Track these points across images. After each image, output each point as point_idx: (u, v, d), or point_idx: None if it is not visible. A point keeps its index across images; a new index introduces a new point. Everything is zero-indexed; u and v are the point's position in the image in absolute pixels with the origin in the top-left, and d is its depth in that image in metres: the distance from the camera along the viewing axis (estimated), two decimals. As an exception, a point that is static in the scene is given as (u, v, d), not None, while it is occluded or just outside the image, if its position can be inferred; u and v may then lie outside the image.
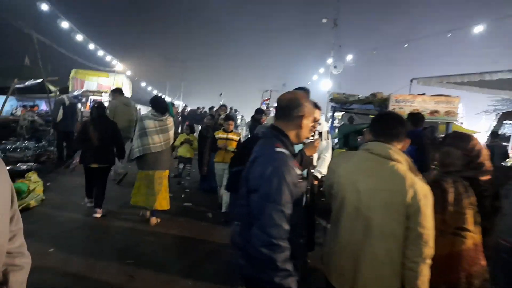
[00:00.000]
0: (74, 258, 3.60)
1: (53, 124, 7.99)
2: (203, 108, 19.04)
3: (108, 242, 4.12)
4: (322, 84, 20.90)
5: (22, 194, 4.98)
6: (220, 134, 5.49)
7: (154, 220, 4.74)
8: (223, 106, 9.02)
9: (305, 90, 2.98)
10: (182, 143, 7.27)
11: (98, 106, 5.15)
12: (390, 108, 5.28)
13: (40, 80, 7.86)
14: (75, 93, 16.21)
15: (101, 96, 18.42)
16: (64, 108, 7.91)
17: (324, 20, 18.13)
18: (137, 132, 4.63)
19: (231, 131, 5.53)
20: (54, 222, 4.54)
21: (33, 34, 7.76)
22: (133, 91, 24.99)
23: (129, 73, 26.21)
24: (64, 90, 8.14)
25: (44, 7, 8.95)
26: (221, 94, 17.00)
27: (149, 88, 32.59)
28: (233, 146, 5.33)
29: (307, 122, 1.70)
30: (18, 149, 9.36)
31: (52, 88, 8.38)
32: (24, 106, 14.10)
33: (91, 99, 18.39)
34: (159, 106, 4.65)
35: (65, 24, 11.74)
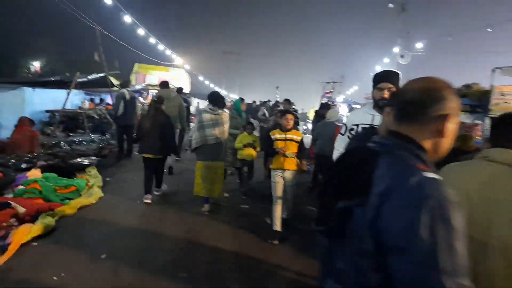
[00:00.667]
0: (124, 268, 3.31)
1: (114, 117, 8.07)
2: (259, 101, 18.61)
3: (160, 249, 3.80)
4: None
5: (80, 191, 4.91)
6: (276, 134, 4.34)
7: (207, 207, 5.00)
8: (285, 101, 7.99)
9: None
10: (245, 146, 5.57)
11: (154, 100, 5.43)
12: (493, 102, 4.29)
13: (102, 74, 7.96)
14: (137, 87, 16.79)
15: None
16: (125, 102, 7.91)
17: (391, 5, 16.62)
18: (196, 125, 4.93)
19: (291, 129, 4.35)
20: (109, 223, 4.35)
21: (96, 28, 7.84)
22: (191, 84, 25.58)
23: (187, 67, 26.83)
24: (125, 84, 8.14)
25: (108, 1, 9.08)
26: (277, 87, 16.39)
27: (207, 82, 33.23)
28: (293, 149, 4.28)
29: (452, 127, 1.04)
30: (84, 142, 9.72)
31: (115, 81, 8.46)
32: (92, 100, 14.87)
33: (151, 93, 19.01)
34: (216, 101, 4.93)
35: (127, 19, 12.02)
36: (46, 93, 11.59)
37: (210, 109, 4.87)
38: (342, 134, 2.78)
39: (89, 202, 4.77)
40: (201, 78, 31.79)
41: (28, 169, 6.26)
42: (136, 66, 21.60)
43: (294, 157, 4.25)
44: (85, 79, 7.63)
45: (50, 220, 3.87)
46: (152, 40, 17.19)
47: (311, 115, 14.98)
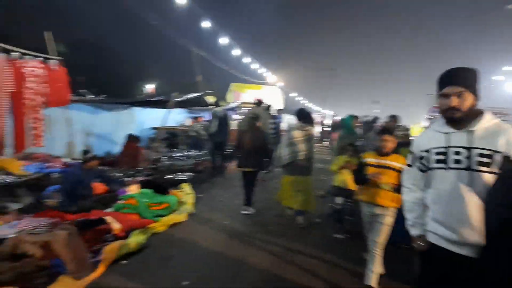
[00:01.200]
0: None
1: (208, 134, 8.31)
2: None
3: (244, 281, 3.46)
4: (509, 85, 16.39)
5: (172, 208, 4.96)
6: (370, 158, 3.39)
7: (299, 219, 5.02)
8: (390, 118, 6.18)
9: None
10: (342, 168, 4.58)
11: (251, 117, 5.83)
12: None
13: (199, 94, 8.32)
14: (233, 105, 17.44)
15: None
16: (219, 119, 8.07)
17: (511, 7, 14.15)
18: (285, 141, 5.04)
19: (390, 153, 3.33)
20: (196, 244, 4.23)
21: (193, 50, 8.27)
22: (285, 101, 25.72)
23: (281, 84, 27.20)
24: (217, 102, 8.33)
25: (205, 24, 9.60)
26: (376, 102, 15.10)
27: (299, 98, 33.20)
28: (390, 179, 3.19)
29: None
30: (182, 158, 10.26)
31: (210, 100, 8.77)
32: (194, 118, 15.97)
33: (245, 110, 19.58)
34: (305, 117, 5.10)
35: (224, 40, 12.61)
36: (153, 112, 12.72)
37: (299, 125, 5.00)
38: (410, 166, 2.06)
39: (179, 220, 4.77)
40: (294, 94, 31.94)
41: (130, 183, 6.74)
42: (232, 86, 22.59)
43: (391, 190, 3.18)
44: (182, 99, 8.04)
45: (141, 238, 3.89)
46: (247, 59, 17.75)
47: (416, 131, 13.40)
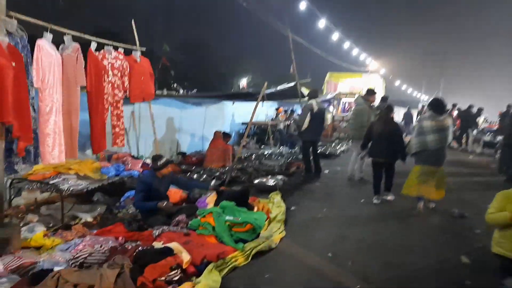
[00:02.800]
0: None
1: (299, 132, 7.04)
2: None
3: None
4: None
5: (258, 230, 3.83)
6: None
7: (421, 205, 5.09)
8: None
9: None
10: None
11: (386, 108, 5.79)
12: None
13: (292, 84, 7.12)
14: (328, 96, 15.84)
15: (354, 97, 17.40)
16: (312, 115, 6.74)
17: None
18: (416, 131, 5.10)
19: None
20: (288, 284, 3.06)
21: (289, 34, 7.07)
22: (386, 90, 22.93)
23: (383, 71, 24.32)
24: (313, 93, 6.98)
25: (302, 5, 8.33)
26: None
27: (404, 87, 29.43)
28: None
29: None
30: (273, 156, 9.22)
31: (305, 91, 7.49)
32: (285, 112, 14.86)
33: (343, 102, 17.72)
34: (437, 107, 4.99)
35: (321, 23, 11.14)
36: (244, 106, 12.00)
37: (431, 115, 4.97)
38: None
39: (267, 248, 3.64)
40: (397, 82, 28.40)
41: (219, 186, 5.92)
42: (328, 75, 21.03)
43: None
44: (273, 90, 6.92)
45: (215, 280, 2.86)
46: (346, 45, 15.86)
47: None
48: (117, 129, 5.38)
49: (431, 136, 4.86)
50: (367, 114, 6.60)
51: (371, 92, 6.95)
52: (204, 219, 3.79)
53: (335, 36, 13.83)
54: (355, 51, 17.94)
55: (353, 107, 8.17)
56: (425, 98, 32.13)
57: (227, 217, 3.82)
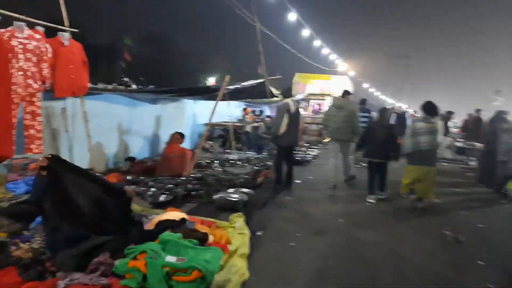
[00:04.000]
0: None
1: (274, 137, 6.06)
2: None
3: None
4: None
5: (209, 279, 2.74)
6: None
7: (413, 196, 5.41)
8: None
9: None
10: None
11: (383, 110, 6.11)
12: None
13: (260, 80, 6.15)
14: (298, 97, 15.06)
15: (324, 99, 16.77)
16: (289, 116, 5.80)
17: None
18: (408, 132, 5.31)
19: None
20: None
21: (257, 24, 6.08)
22: (355, 93, 22.65)
23: (351, 73, 24.05)
24: (288, 92, 6.05)
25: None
26: (497, 92, 11.37)
27: (372, 90, 29.48)
28: None
29: None
30: (238, 162, 8.19)
31: (274, 90, 6.54)
32: (253, 112, 13.85)
33: (312, 103, 17.05)
34: (429, 110, 5.24)
35: (291, 17, 10.31)
36: (208, 105, 10.87)
37: (423, 118, 5.23)
38: None
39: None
40: (366, 85, 28.37)
41: (166, 203, 4.80)
42: (296, 76, 20.41)
43: None
44: (238, 86, 5.88)
45: None
46: (316, 43, 15.16)
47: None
48: (31, 131, 4.13)
49: (424, 138, 5.11)
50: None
51: (348, 93, 6.75)
52: (134, 262, 2.67)
53: (305, 32, 13.04)
54: (325, 51, 17.34)
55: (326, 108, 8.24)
56: (391, 102, 32.47)
57: (168, 258, 2.73)
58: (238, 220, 3.92)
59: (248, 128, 10.11)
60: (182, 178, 6.17)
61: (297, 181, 6.73)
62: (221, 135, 10.84)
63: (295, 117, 5.90)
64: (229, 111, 12.75)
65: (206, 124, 10.67)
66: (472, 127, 11.24)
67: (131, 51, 28.62)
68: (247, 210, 4.68)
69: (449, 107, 13.70)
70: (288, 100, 5.91)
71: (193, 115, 10.20)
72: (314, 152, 10.60)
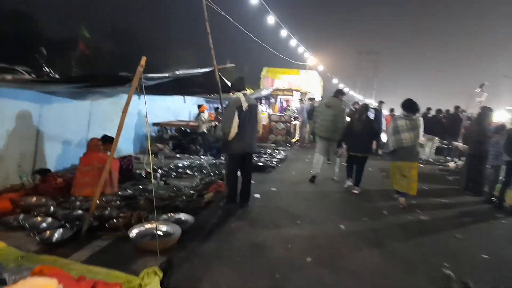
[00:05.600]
0: None
1: (223, 142, 4.70)
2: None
3: None
4: None
5: None
6: None
7: (403, 200, 5.38)
8: None
9: None
10: None
11: (364, 106, 6.30)
12: None
13: (207, 70, 4.74)
14: (264, 92, 13.79)
15: (292, 95, 15.61)
16: (241, 115, 4.48)
17: None
18: (391, 130, 5.44)
19: None
20: None
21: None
22: (324, 88, 21.72)
23: (320, 68, 23.10)
24: (239, 84, 4.70)
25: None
26: (482, 85, 10.52)
27: (341, 85, 28.76)
28: None
29: None
30: (188, 171, 6.76)
31: (228, 82, 5.16)
32: (216, 110, 12.39)
33: (280, 99, 15.86)
34: (410, 107, 5.30)
35: (254, 1, 9.03)
36: (158, 101, 9.34)
37: (404, 115, 5.29)
38: None
39: None
40: (335, 81, 27.61)
41: (63, 243, 3.34)
42: (265, 70, 19.22)
43: None
44: (169, 74, 4.38)
45: None
46: (283, 33, 13.93)
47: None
48: None
49: (406, 135, 5.22)
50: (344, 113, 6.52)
51: (341, 93, 6.76)
52: None
53: (271, 20, 11.76)
54: (293, 42, 16.16)
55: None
56: (359, 98, 32.02)
57: None
58: (151, 282, 2.53)
59: (204, 128, 8.70)
60: (104, 198, 4.72)
61: (256, 195, 5.44)
62: (173, 137, 9.35)
63: (249, 115, 4.58)
64: (188, 108, 11.27)
65: (156, 124, 9.21)
66: (450, 125, 10.42)
67: (88, 43, 26.51)
68: (181, 246, 3.32)
69: (424, 104, 12.98)
70: (239, 95, 4.58)
71: (137, 114, 8.63)
72: (280, 154, 9.36)
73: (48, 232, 3.42)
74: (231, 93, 4.80)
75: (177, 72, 4.21)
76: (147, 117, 3.33)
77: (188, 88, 6.75)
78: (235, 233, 3.99)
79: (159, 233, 3.52)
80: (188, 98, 10.60)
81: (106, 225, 3.76)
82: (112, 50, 30.14)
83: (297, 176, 7.18)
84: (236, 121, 4.43)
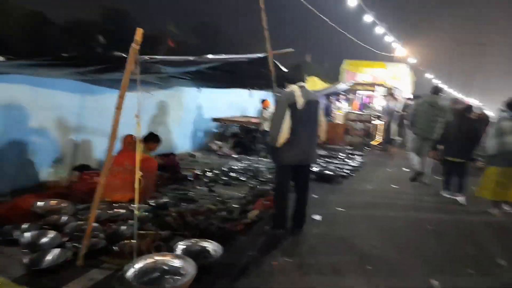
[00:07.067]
0: None
1: (271, 150, 3.61)
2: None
3: None
4: None
5: None
6: None
7: (497, 211, 4.92)
8: None
9: None
10: None
11: (466, 108, 5.85)
12: None
13: (258, 56, 3.68)
14: (341, 87, 12.28)
15: (374, 90, 13.73)
16: (294, 115, 3.36)
17: None
18: (493, 132, 4.92)
19: None
20: None
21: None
22: (416, 84, 19.10)
23: (411, 61, 20.34)
24: (295, 74, 3.66)
25: None
26: None
27: (436, 81, 25.11)
28: None
29: None
30: (242, 178, 5.80)
31: (284, 69, 4.05)
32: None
33: (360, 94, 14.10)
34: None
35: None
36: (219, 94, 8.63)
37: (511, 116, 4.79)
38: None
39: None
40: (429, 75, 24.19)
41: (55, 269, 2.65)
42: (345, 63, 17.65)
43: None
44: (214, 57, 3.39)
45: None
46: (367, 18, 12.17)
47: None
48: None
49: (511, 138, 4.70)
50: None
51: (440, 90, 6.61)
52: None
53: (352, 3, 10.20)
54: (378, 30, 14.15)
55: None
56: (459, 96, 27.83)
57: None
58: None
59: (266, 126, 7.71)
60: (134, 205, 4.03)
61: (316, 217, 4.24)
62: (234, 134, 8.56)
63: (307, 116, 3.42)
64: (255, 104, 10.40)
65: (216, 120, 8.52)
66: None
67: (175, 37, 27.92)
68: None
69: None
70: (294, 88, 3.43)
71: (196, 108, 8.02)
72: (355, 161, 7.91)
73: (39, 254, 2.75)
74: (285, 87, 3.66)
75: (209, 56, 3.22)
76: (138, 116, 2.41)
77: (242, 80, 5.80)
78: (275, 277, 2.90)
79: (165, 268, 2.61)
80: (256, 92, 9.74)
81: (114, 248, 3.00)
82: (198, 44, 31.40)
83: (374, 192, 5.76)
84: (287, 122, 3.30)
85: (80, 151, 5.21)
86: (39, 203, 3.68)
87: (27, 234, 2.98)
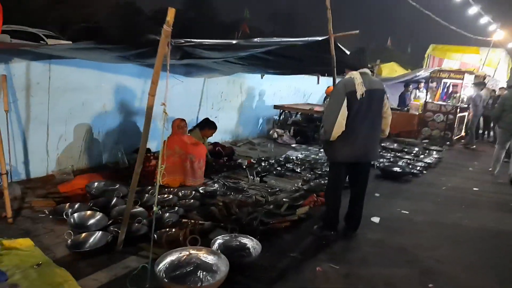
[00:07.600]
0: None
1: (324, 143, 3.25)
2: None
3: None
4: None
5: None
6: None
7: None
8: None
9: None
10: None
11: None
12: None
13: (316, 39, 3.23)
14: (420, 73, 11.05)
15: (462, 78, 12.07)
16: (352, 105, 2.95)
17: None
18: None
19: None
20: None
21: None
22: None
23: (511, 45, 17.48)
24: (356, 59, 3.14)
25: None
26: None
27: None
28: None
29: None
30: (298, 170, 5.49)
31: (347, 51, 3.59)
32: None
33: (445, 83, 12.52)
34: None
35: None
36: (282, 81, 8.34)
37: None
38: None
39: None
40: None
41: (95, 252, 2.71)
42: (431, 48, 16.10)
43: None
44: (263, 41, 3.01)
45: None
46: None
47: None
48: None
49: None
50: None
51: None
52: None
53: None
54: (472, 10, 12.34)
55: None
56: None
57: None
58: None
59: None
60: (182, 191, 4.04)
61: (374, 219, 3.79)
62: (296, 123, 8.22)
63: (367, 106, 2.97)
64: (322, 91, 9.87)
65: (277, 107, 8.25)
66: None
67: (249, 23, 28.65)
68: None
69: None
70: (355, 75, 2.98)
71: (258, 94, 7.83)
72: (430, 157, 7.02)
73: (83, 236, 2.83)
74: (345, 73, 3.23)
75: (257, 40, 2.94)
76: (164, 104, 2.24)
77: (309, 66, 5.42)
78: (317, 286, 2.60)
79: (198, 263, 2.48)
80: (324, 78, 9.21)
81: (155, 235, 2.98)
82: (273, 30, 31.70)
83: (449, 194, 5.00)
84: (343, 113, 2.90)
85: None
86: (93, 184, 3.85)
87: (75, 215, 3.10)
